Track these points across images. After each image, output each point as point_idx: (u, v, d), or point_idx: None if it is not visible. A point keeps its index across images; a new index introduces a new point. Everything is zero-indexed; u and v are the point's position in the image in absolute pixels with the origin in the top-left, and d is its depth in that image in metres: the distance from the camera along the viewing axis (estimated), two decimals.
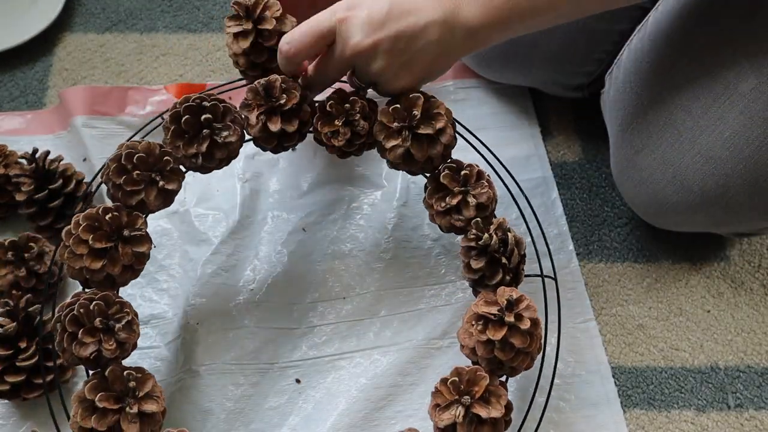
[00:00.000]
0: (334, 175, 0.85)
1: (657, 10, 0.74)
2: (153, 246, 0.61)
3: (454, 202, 0.63)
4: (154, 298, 0.76)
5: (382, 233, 0.81)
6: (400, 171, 0.66)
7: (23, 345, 0.67)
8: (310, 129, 0.66)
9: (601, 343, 0.76)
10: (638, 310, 0.79)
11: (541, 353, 0.62)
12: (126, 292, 0.63)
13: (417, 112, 0.61)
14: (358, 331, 0.76)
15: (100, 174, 0.63)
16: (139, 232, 0.60)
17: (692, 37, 0.69)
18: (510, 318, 0.57)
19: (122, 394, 0.56)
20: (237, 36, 0.65)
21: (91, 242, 0.57)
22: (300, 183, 0.84)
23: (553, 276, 0.68)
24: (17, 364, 0.66)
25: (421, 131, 0.62)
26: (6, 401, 0.70)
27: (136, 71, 0.96)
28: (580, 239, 0.83)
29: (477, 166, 0.64)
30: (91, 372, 0.58)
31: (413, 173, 0.66)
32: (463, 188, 0.63)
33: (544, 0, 0.60)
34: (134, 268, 0.60)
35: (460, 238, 0.64)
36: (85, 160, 0.85)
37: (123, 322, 0.57)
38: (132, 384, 0.55)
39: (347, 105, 0.63)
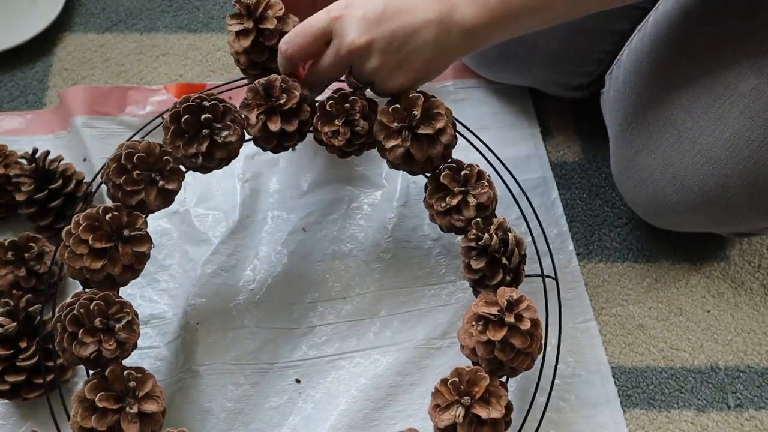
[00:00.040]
0: (334, 175, 0.85)
1: (657, 10, 0.74)
2: (153, 246, 0.61)
3: (455, 202, 0.63)
4: (154, 298, 0.76)
5: (382, 233, 0.81)
6: (400, 171, 0.66)
7: (23, 345, 0.67)
8: (310, 129, 0.66)
9: (601, 343, 0.76)
10: (638, 310, 0.79)
11: (542, 353, 0.62)
12: (126, 292, 0.63)
13: (417, 112, 0.61)
14: (358, 331, 0.76)
15: (100, 174, 0.63)
16: (140, 232, 0.60)
17: (692, 37, 0.69)
18: (510, 318, 0.57)
19: (122, 394, 0.56)
20: (238, 34, 0.65)
21: (91, 242, 0.57)
22: (300, 183, 0.84)
23: (553, 276, 0.68)
24: (17, 363, 0.66)
25: (421, 131, 0.62)
26: (6, 401, 0.70)
27: (136, 71, 0.96)
28: (580, 239, 0.83)
29: (477, 166, 0.64)
30: (91, 372, 0.58)
31: (413, 173, 0.66)
32: (463, 188, 0.63)
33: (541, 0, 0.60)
34: (134, 267, 0.60)
35: (460, 238, 0.64)
36: (85, 160, 0.85)
37: (123, 322, 0.57)
38: (132, 384, 0.55)
39: (347, 105, 0.63)
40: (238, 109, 0.64)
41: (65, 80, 0.95)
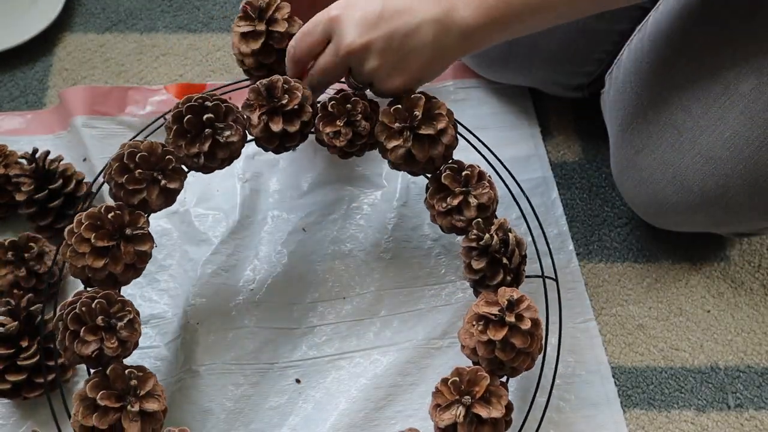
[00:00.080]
0: (335, 175, 0.85)
1: (657, 10, 0.75)
2: (155, 245, 0.61)
3: (456, 202, 0.63)
4: (154, 298, 0.76)
5: (382, 233, 0.81)
6: (401, 171, 0.66)
7: (24, 344, 0.67)
8: (312, 129, 0.66)
9: (601, 343, 0.76)
10: (638, 310, 0.79)
11: (542, 353, 0.62)
12: (126, 292, 0.63)
13: (418, 113, 0.62)
14: (358, 331, 0.76)
15: (102, 174, 0.63)
16: (141, 231, 0.60)
17: (692, 37, 0.70)
18: (511, 318, 0.57)
19: (123, 393, 0.56)
20: (246, 36, 0.65)
21: (93, 241, 0.57)
22: (300, 183, 0.84)
23: (554, 276, 0.68)
24: (18, 363, 0.66)
25: (422, 132, 0.62)
26: (7, 400, 0.70)
27: (136, 71, 0.96)
28: (580, 239, 0.83)
29: (478, 166, 0.64)
30: (92, 370, 0.58)
31: (414, 174, 0.66)
32: (464, 189, 0.63)
33: (539, 0, 0.60)
34: (136, 266, 0.60)
35: (460, 238, 0.64)
36: (85, 160, 0.85)
37: (125, 321, 0.57)
38: (133, 382, 0.56)
39: (349, 105, 0.63)
40: (240, 109, 0.64)
41: (65, 80, 0.95)
